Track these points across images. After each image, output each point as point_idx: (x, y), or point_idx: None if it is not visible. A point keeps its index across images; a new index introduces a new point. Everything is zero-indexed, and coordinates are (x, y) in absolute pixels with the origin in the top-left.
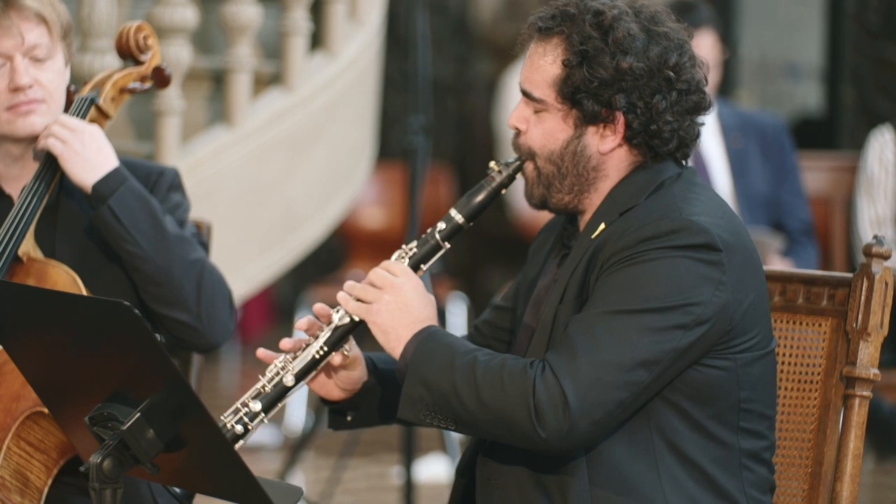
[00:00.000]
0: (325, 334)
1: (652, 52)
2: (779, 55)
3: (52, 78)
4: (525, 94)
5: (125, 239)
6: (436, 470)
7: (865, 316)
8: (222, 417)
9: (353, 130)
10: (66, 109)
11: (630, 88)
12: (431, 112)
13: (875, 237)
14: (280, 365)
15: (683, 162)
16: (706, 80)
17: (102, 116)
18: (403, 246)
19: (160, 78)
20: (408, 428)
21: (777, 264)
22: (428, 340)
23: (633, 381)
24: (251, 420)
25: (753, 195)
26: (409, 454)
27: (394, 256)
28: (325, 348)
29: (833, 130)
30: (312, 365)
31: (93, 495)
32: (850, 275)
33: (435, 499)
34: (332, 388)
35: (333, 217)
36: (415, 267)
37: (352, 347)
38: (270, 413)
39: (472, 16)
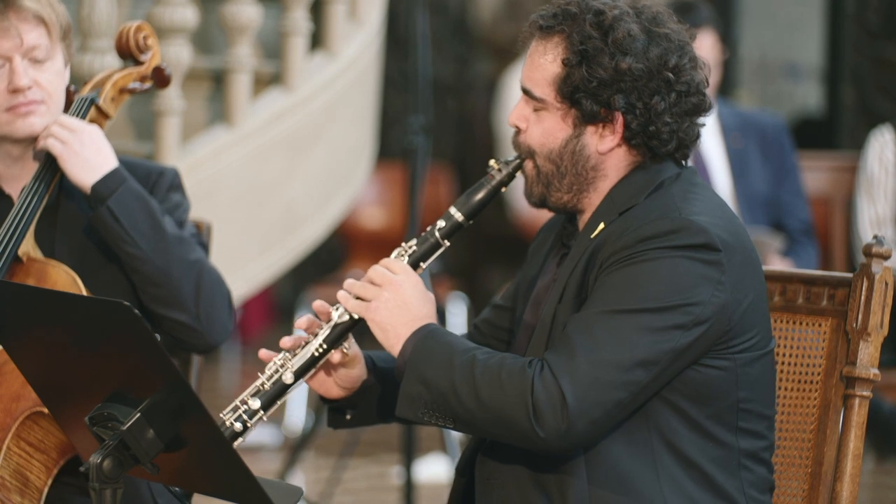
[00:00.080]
0: (324, 332)
1: (652, 53)
2: (779, 55)
3: (52, 79)
4: (525, 92)
5: (124, 240)
6: (436, 470)
7: (865, 316)
8: (221, 415)
9: (353, 130)
10: (66, 109)
11: (629, 89)
12: (431, 112)
13: (875, 237)
14: (279, 362)
15: (683, 162)
16: (707, 82)
17: (102, 116)
18: (403, 244)
19: (160, 78)
20: (408, 428)
21: (777, 264)
22: (427, 338)
23: (631, 380)
24: (250, 418)
25: (753, 195)
26: (409, 454)
27: (393, 254)
28: (325, 346)
29: (833, 130)
30: (312, 363)
31: (93, 495)
32: (850, 275)
33: (435, 499)
34: (332, 386)
35: (333, 217)
36: (414, 265)
37: (351, 345)
38: (269, 411)
39: (472, 16)
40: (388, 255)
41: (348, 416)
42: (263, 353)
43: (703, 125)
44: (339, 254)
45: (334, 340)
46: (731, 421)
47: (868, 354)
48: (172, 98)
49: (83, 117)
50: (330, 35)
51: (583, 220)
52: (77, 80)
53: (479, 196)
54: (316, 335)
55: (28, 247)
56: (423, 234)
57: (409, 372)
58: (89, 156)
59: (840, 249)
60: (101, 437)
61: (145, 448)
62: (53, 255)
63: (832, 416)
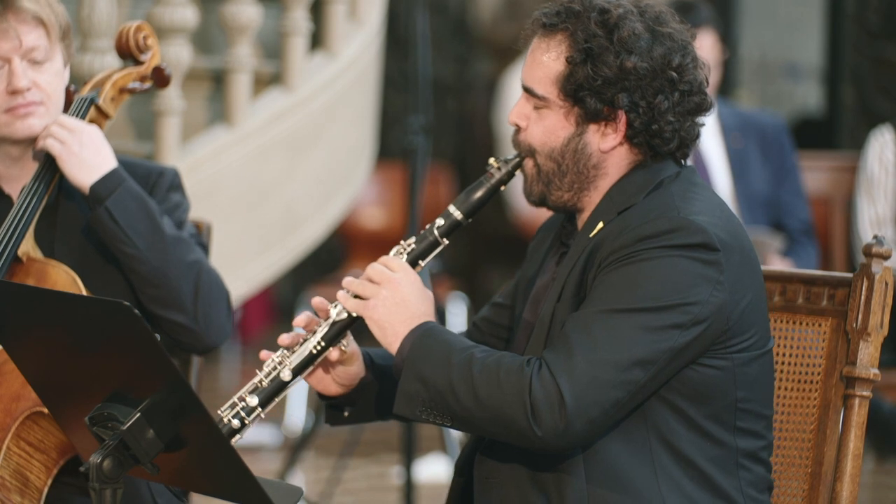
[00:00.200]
0: (322, 329)
1: (656, 53)
2: (779, 55)
3: (51, 80)
4: (527, 90)
5: (122, 240)
6: (436, 470)
7: (865, 316)
8: (219, 412)
9: (353, 130)
10: (66, 109)
11: (633, 88)
12: (431, 112)
13: (875, 237)
14: (277, 360)
15: (683, 161)
16: (707, 82)
17: (102, 116)
18: (402, 242)
19: (160, 78)
20: (408, 428)
21: (777, 264)
22: (425, 336)
23: (629, 380)
24: (248, 415)
25: (753, 195)
26: (409, 454)
27: (392, 252)
28: (323, 343)
29: (833, 130)
30: (310, 360)
31: (93, 495)
32: (850, 275)
33: (435, 499)
34: (330, 383)
35: (333, 217)
36: (413, 263)
37: (349, 343)
38: (267, 408)
39: (472, 16)
40: (387, 254)
41: (346, 414)
42: (264, 353)
43: (704, 124)
44: (339, 254)
45: (333, 338)
46: (730, 420)
47: (868, 354)
48: (172, 98)
49: (83, 117)
50: (330, 35)
51: (582, 218)
52: (77, 80)
53: (479, 194)
54: (314, 332)
55: (28, 247)
56: (421, 232)
57: (407, 370)
58: (88, 156)
59: (840, 249)
60: (101, 437)
61: (145, 448)
62: (53, 255)
63: (832, 416)
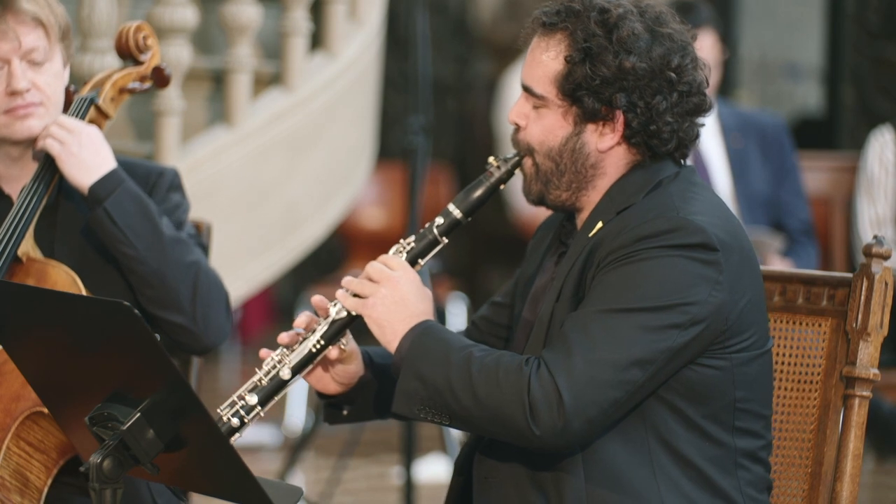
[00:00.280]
0: (321, 328)
1: (655, 53)
2: (779, 55)
3: (50, 81)
4: (526, 89)
5: (120, 241)
6: (436, 470)
7: (865, 316)
8: (218, 410)
9: (353, 130)
10: (66, 110)
11: (631, 88)
12: (431, 112)
13: (875, 237)
14: (277, 358)
15: (682, 161)
16: (707, 82)
17: (102, 116)
18: (401, 240)
19: (160, 78)
20: (408, 428)
21: (777, 264)
22: (423, 335)
23: (627, 379)
24: (247, 413)
25: (753, 195)
26: (409, 454)
27: (391, 251)
28: (322, 342)
29: (833, 130)
30: (309, 358)
31: (93, 495)
32: (850, 275)
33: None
34: (329, 381)
35: (333, 217)
36: (412, 261)
37: (348, 341)
38: (267, 406)
39: (472, 16)
40: (387, 253)
41: (345, 412)
42: (264, 352)
43: (703, 125)
44: (339, 254)
45: (332, 337)
46: (728, 420)
47: (868, 354)
48: (172, 98)
49: (83, 117)
50: (330, 35)
51: (581, 218)
52: (77, 80)
53: (478, 193)
54: (314, 331)
55: (28, 247)
56: (421, 230)
57: (406, 368)
58: (87, 157)
59: (840, 249)
60: (101, 437)
61: (145, 448)
62: (53, 255)
63: (832, 417)
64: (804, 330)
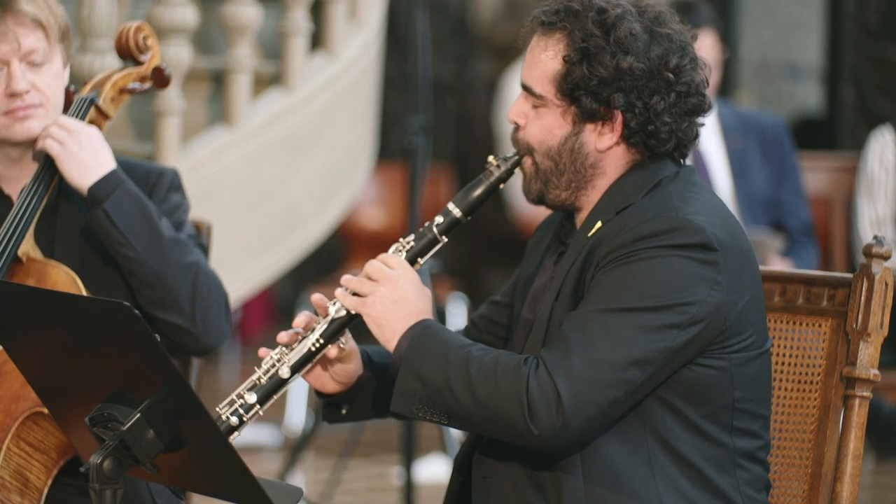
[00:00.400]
0: (321, 327)
1: (653, 53)
2: (779, 55)
3: (50, 82)
4: (525, 88)
5: (120, 242)
6: (436, 470)
7: (865, 316)
8: (217, 409)
9: (353, 131)
10: (66, 110)
11: (629, 88)
12: (431, 112)
13: (875, 238)
14: (276, 357)
15: (681, 161)
16: (707, 83)
17: (102, 117)
18: (401, 239)
19: (160, 78)
20: (408, 428)
21: (777, 264)
22: (422, 334)
23: (626, 379)
24: (246, 412)
25: (753, 195)
26: (409, 455)
27: (391, 250)
28: (321, 341)
29: (833, 130)
30: (308, 357)
31: (93, 496)
32: (850, 275)
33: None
34: (328, 380)
35: (333, 217)
36: (412, 260)
37: (347, 340)
38: (266, 405)
39: (472, 16)
40: (386, 252)
41: (343, 411)
42: (263, 351)
43: (703, 125)
44: (339, 254)
45: (331, 335)
46: (727, 420)
47: (868, 355)
48: (172, 98)
49: (83, 118)
50: (330, 35)
51: (580, 217)
52: (77, 81)
53: (478, 192)
54: (313, 330)
55: (28, 247)
56: (420, 229)
57: (405, 367)
58: (87, 157)
59: (840, 250)
60: (101, 437)
61: (145, 448)
62: (53, 255)
63: (832, 417)
64: (804, 330)
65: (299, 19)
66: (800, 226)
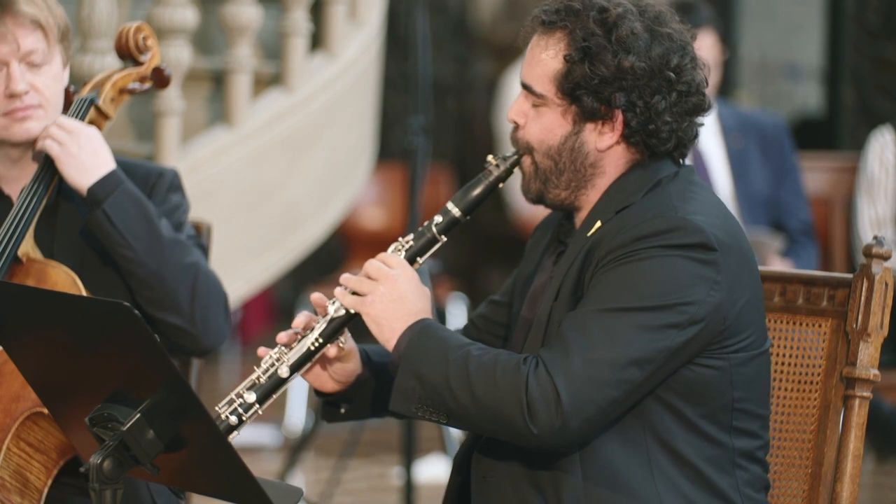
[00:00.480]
0: (320, 326)
1: (654, 53)
2: (779, 55)
3: (49, 83)
4: (525, 87)
5: (119, 243)
6: (436, 470)
7: (865, 317)
8: (217, 408)
9: (353, 131)
10: (66, 110)
11: (630, 87)
12: (431, 112)
13: (875, 238)
14: (275, 356)
15: (681, 161)
16: (707, 82)
17: (102, 117)
18: (400, 238)
19: (159, 78)
20: (408, 429)
21: (777, 264)
22: (421, 333)
23: (625, 379)
24: (245, 411)
25: (753, 195)
26: (409, 455)
27: (390, 249)
28: (321, 340)
29: (833, 130)
30: (307, 356)
31: (93, 496)
32: (850, 275)
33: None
34: (327, 379)
35: (333, 217)
36: (411, 260)
37: (347, 339)
38: (265, 404)
39: (472, 16)
40: (385, 251)
41: (342, 410)
42: (262, 350)
43: (703, 124)
44: (338, 254)
45: (330, 335)
46: (726, 420)
47: (868, 355)
48: (172, 98)
49: (82, 118)
50: (330, 35)
51: (580, 217)
52: (77, 81)
53: (477, 192)
54: (312, 329)
55: (27, 247)
56: (419, 229)
57: (404, 366)
58: (86, 158)
59: (840, 250)
60: (101, 437)
61: (145, 448)
62: (53, 255)
63: (832, 417)
64: (804, 330)
65: (299, 19)
66: (800, 226)
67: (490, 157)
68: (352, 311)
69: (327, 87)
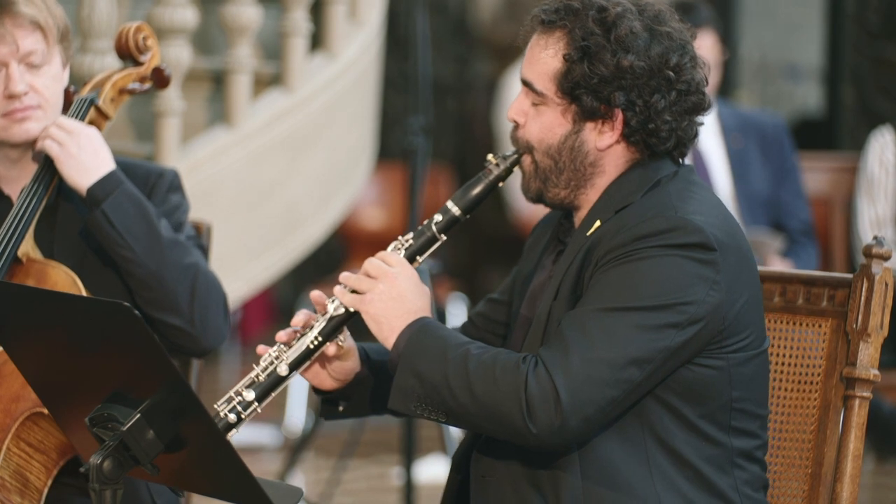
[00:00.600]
0: (319, 324)
1: (653, 52)
2: (779, 55)
3: (49, 83)
4: (526, 83)
5: (118, 243)
6: (436, 471)
7: (865, 317)
8: (215, 406)
9: (353, 131)
10: (66, 110)
11: (630, 86)
12: (431, 112)
13: (875, 238)
14: (274, 354)
15: (680, 160)
16: (707, 81)
17: (102, 117)
18: (399, 237)
19: (159, 79)
20: (408, 429)
21: (777, 265)
22: (421, 332)
23: (624, 378)
24: (244, 409)
25: (753, 195)
26: (409, 455)
27: (390, 248)
28: (320, 338)
29: (833, 130)
30: (307, 355)
31: (93, 496)
32: (850, 275)
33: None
34: (325, 377)
35: (333, 217)
36: (410, 258)
37: (346, 338)
38: (264, 403)
39: (472, 16)
40: (385, 250)
41: (341, 408)
42: (261, 348)
43: (702, 124)
44: (338, 254)
45: (329, 333)
46: (725, 420)
47: (868, 355)
48: (172, 99)
49: (82, 118)
50: (330, 36)
51: (579, 216)
52: (77, 81)
53: (477, 190)
54: (311, 328)
55: (27, 247)
56: (419, 227)
57: (403, 365)
58: (86, 158)
59: (840, 250)
60: (101, 437)
61: (145, 449)
62: (52, 255)
63: (832, 417)
64: (804, 330)
65: (299, 19)
66: (800, 226)
67: (490, 156)
68: (351, 310)
69: (327, 87)
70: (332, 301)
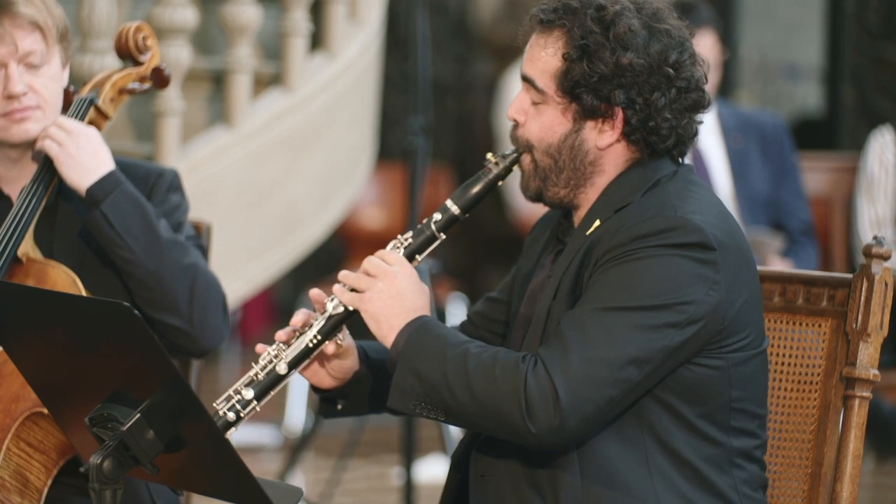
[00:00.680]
0: (318, 323)
1: (652, 49)
2: (779, 55)
3: (48, 84)
4: (526, 80)
5: (117, 244)
6: (436, 470)
7: (865, 317)
8: (214, 404)
9: (353, 131)
10: (66, 110)
11: (629, 84)
12: (431, 112)
13: (875, 238)
14: (273, 353)
15: (680, 159)
16: (706, 79)
17: (101, 117)
18: (399, 236)
19: (159, 78)
20: (408, 429)
21: (777, 264)
22: (420, 330)
23: (623, 378)
24: (243, 408)
25: (753, 195)
26: (409, 455)
27: (389, 246)
28: (319, 337)
29: (833, 131)
30: (306, 353)
31: (93, 496)
32: (849, 275)
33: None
34: (324, 376)
35: (333, 217)
36: (410, 257)
37: (345, 337)
38: (263, 401)
39: (472, 16)
40: (384, 248)
41: (340, 407)
42: (260, 347)
43: (702, 122)
44: (338, 254)
45: (329, 332)
46: (724, 420)
47: (868, 355)
48: (172, 99)
49: (82, 118)
50: (330, 35)
51: (578, 216)
52: (76, 81)
53: (476, 189)
54: (311, 326)
55: (27, 247)
56: (418, 226)
57: (402, 364)
58: (85, 158)
59: (840, 250)
60: (101, 437)
61: (145, 449)
62: (52, 255)
63: (832, 417)
64: (804, 330)
65: (299, 19)
66: (800, 226)
67: (489, 155)
68: (350, 308)
69: (327, 87)
70: (332, 300)
